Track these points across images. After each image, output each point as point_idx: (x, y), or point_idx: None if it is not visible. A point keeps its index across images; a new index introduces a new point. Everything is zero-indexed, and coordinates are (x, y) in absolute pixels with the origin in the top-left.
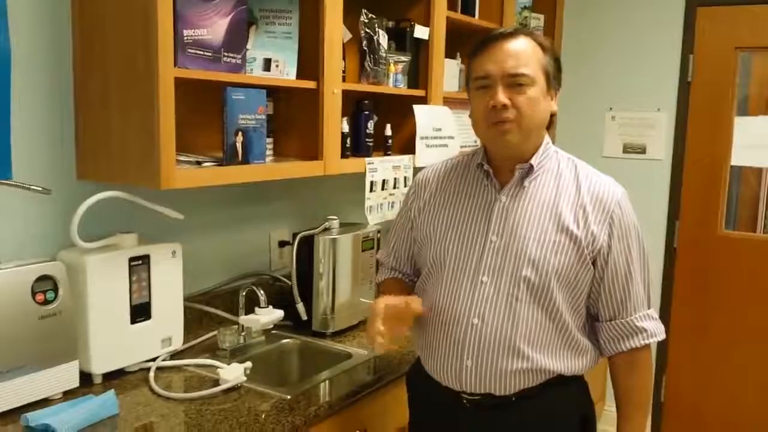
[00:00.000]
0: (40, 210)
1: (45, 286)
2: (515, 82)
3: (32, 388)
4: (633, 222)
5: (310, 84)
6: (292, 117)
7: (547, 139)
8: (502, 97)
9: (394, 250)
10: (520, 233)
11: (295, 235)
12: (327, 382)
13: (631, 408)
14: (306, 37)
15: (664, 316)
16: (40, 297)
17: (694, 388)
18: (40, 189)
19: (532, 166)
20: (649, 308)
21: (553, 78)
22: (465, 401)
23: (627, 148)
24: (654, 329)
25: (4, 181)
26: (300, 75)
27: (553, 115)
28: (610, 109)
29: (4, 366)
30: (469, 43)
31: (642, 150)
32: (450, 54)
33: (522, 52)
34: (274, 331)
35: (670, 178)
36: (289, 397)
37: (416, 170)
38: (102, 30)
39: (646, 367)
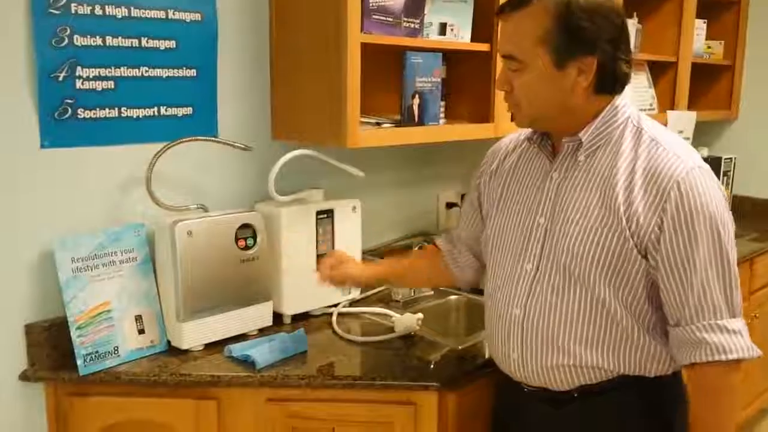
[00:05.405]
0: (241, 166)
1: (246, 233)
2: (509, 65)
3: (234, 323)
4: (701, 208)
5: (483, 47)
6: (464, 80)
7: (614, 106)
8: (499, 81)
9: (458, 231)
10: (565, 215)
11: (463, 196)
12: None
13: None
14: (480, 0)
15: None
16: (241, 243)
17: None
18: (242, 146)
19: (581, 140)
20: (724, 317)
21: (572, 44)
22: (525, 389)
23: None
24: (723, 344)
25: (212, 138)
26: (473, 38)
27: (612, 80)
28: None
29: (213, 303)
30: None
31: None
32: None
33: (514, 27)
34: (441, 288)
35: None
36: (459, 347)
37: None
38: (296, 0)
39: (719, 395)
